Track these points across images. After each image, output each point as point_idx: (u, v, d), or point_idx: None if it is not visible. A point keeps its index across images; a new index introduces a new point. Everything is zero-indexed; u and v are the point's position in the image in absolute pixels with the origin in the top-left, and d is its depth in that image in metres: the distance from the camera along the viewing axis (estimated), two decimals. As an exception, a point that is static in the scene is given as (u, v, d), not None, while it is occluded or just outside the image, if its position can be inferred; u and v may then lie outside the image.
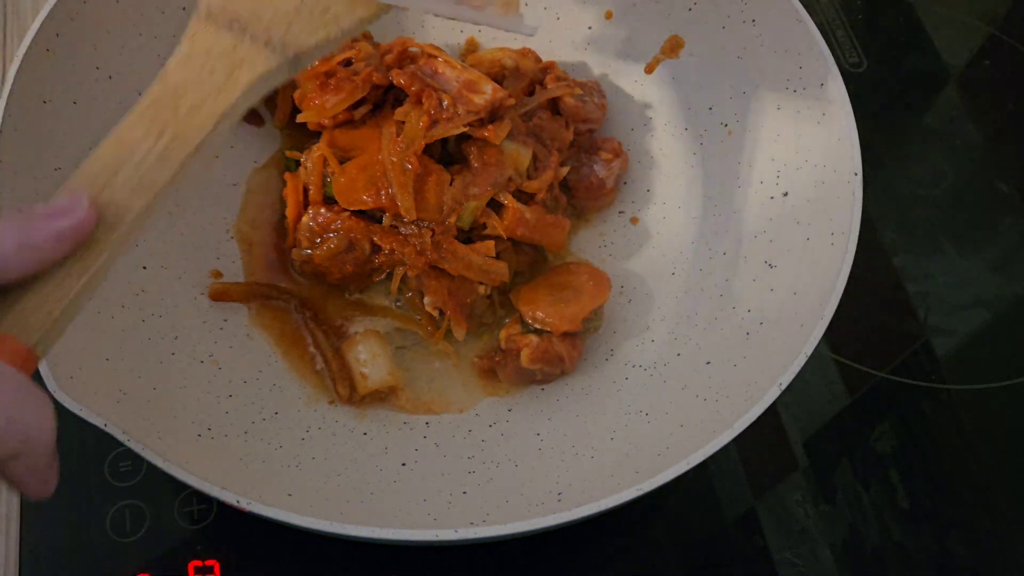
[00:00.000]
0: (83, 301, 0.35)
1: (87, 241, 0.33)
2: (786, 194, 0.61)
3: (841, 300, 0.52)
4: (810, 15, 0.61)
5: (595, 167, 0.68)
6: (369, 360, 0.61)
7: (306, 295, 0.65)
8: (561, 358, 0.61)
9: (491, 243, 0.62)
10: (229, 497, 0.45)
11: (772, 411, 0.49)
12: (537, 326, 0.62)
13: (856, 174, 0.56)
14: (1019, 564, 0.63)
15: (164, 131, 0.39)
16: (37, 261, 0.31)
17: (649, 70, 0.70)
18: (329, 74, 0.63)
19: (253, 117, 0.70)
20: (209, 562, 0.58)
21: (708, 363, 0.58)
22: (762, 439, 0.66)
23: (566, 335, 0.62)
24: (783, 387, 0.50)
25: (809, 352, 0.51)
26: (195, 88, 0.41)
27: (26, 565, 0.57)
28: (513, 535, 0.46)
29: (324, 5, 0.45)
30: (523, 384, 0.63)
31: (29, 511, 0.59)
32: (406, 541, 0.45)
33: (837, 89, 0.59)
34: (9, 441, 0.29)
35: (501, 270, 0.62)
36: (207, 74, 0.41)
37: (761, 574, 0.61)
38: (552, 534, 0.48)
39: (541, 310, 0.62)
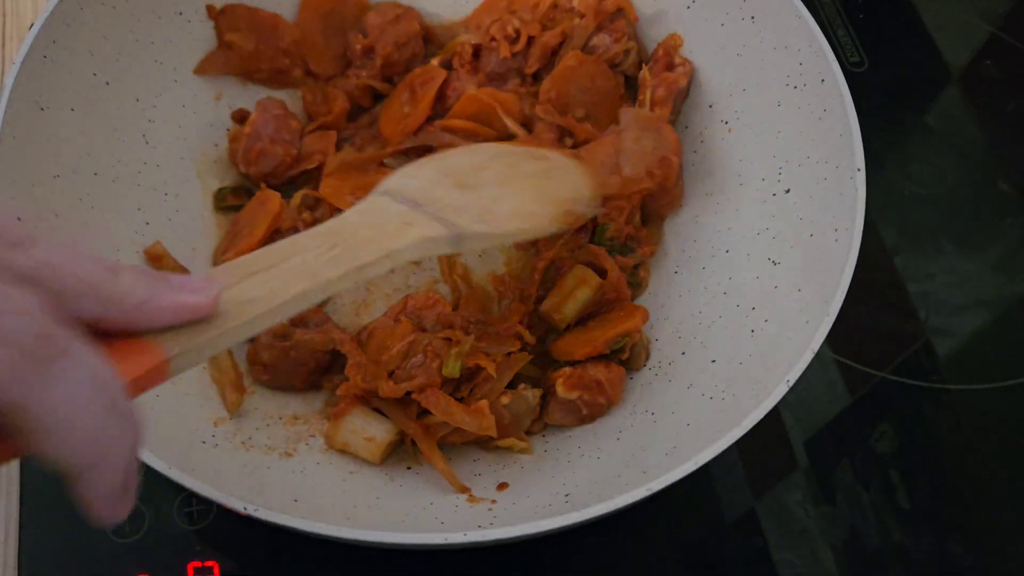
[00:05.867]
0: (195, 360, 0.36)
1: (201, 320, 0.35)
2: (788, 191, 0.61)
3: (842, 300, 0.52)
4: (811, 15, 0.61)
5: None
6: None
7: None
8: (599, 382, 0.59)
9: (485, 403, 0.57)
10: (235, 504, 0.45)
11: (773, 411, 0.49)
12: (563, 358, 0.61)
13: (859, 169, 0.56)
14: (1019, 564, 0.63)
15: (336, 245, 0.43)
16: (148, 320, 0.33)
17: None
18: None
19: None
20: (208, 563, 0.58)
21: (713, 361, 0.58)
22: (763, 439, 0.65)
23: (597, 359, 0.60)
24: (791, 384, 0.49)
25: (816, 348, 0.50)
26: (369, 229, 0.46)
27: (26, 565, 0.57)
28: (521, 537, 0.45)
29: (483, 208, 0.52)
30: (573, 421, 0.60)
31: (29, 512, 0.58)
32: (415, 545, 0.45)
33: (838, 84, 0.59)
34: (80, 457, 0.29)
35: (488, 425, 0.57)
36: (381, 223, 0.47)
37: (761, 574, 0.61)
38: (552, 535, 0.48)
39: (563, 341, 0.61)
